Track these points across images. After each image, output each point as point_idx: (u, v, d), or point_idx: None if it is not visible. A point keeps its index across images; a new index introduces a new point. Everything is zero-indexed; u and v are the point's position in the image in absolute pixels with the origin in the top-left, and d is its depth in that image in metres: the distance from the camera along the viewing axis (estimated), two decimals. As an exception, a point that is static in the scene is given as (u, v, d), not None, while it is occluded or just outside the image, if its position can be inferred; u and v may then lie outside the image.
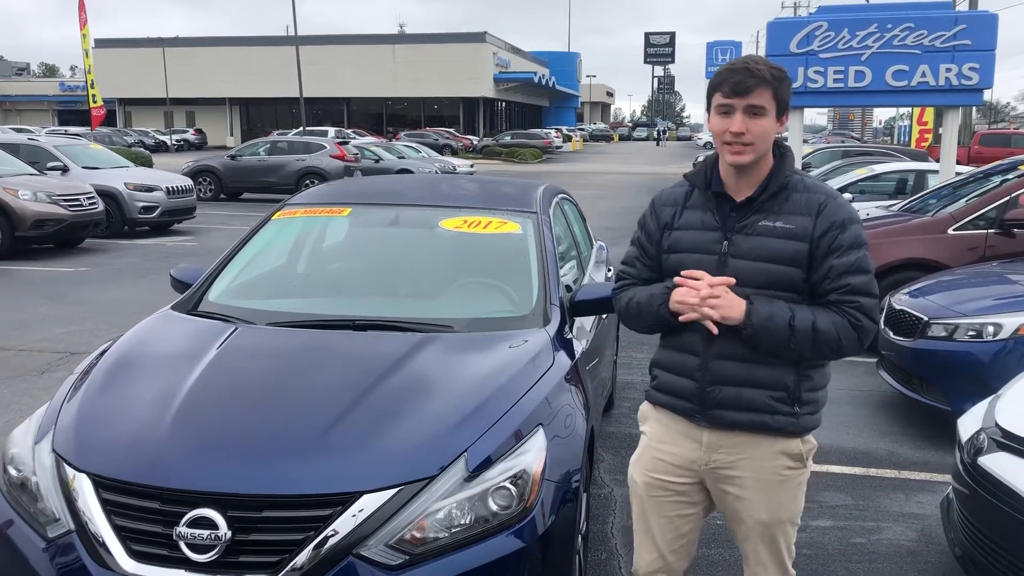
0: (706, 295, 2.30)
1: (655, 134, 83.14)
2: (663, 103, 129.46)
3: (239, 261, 4.03)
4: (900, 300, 5.92)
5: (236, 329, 3.36)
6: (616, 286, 2.65)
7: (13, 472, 2.74)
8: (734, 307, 2.29)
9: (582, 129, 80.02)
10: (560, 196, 4.84)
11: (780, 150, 2.44)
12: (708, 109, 2.41)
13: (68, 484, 2.57)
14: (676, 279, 2.38)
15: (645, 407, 2.66)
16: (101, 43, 56.18)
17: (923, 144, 27.08)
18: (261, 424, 2.71)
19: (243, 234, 4.20)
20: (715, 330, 2.32)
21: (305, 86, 38.15)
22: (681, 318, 2.35)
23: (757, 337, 2.30)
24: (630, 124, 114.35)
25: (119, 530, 2.46)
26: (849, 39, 10.83)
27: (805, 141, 28.77)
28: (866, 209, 9.92)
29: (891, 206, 9.65)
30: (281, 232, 4.28)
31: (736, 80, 2.29)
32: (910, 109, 32.42)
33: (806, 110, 12.75)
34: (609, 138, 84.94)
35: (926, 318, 5.48)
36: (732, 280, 2.32)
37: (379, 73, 58.20)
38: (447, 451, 2.60)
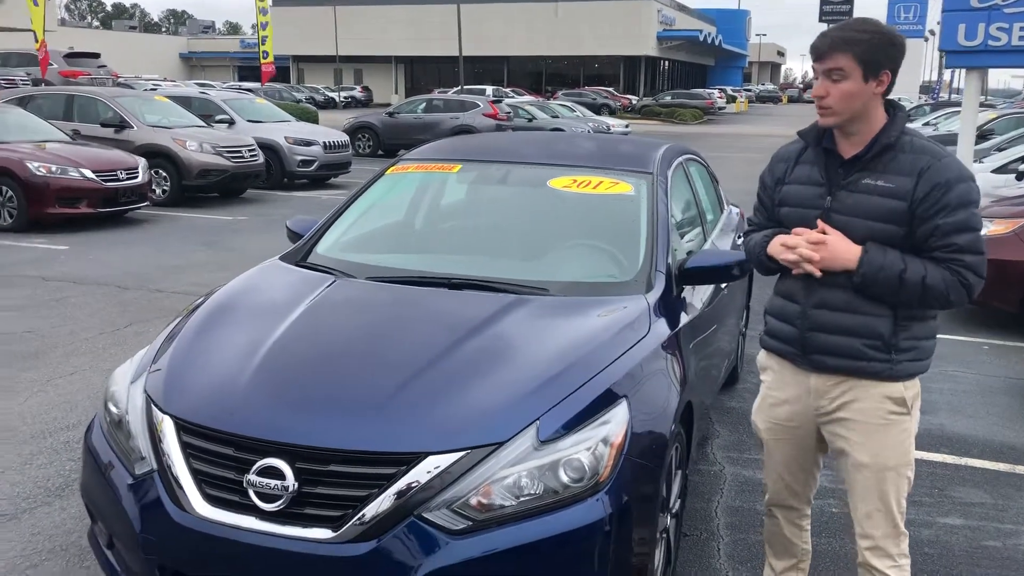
0: (814, 240, 2.45)
1: (827, 96, 78.86)
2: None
3: (350, 215, 4.06)
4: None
5: (334, 282, 3.38)
6: (745, 231, 2.88)
7: (113, 409, 2.87)
8: (844, 256, 2.41)
9: (748, 90, 77.18)
10: (685, 157, 4.59)
11: (894, 110, 2.50)
12: None
13: (156, 426, 2.65)
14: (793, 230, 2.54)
15: (761, 356, 2.83)
16: (278, 1, 58.61)
17: None
18: (336, 379, 2.71)
19: (357, 188, 4.23)
20: (817, 273, 2.46)
21: (466, 45, 38.51)
22: (783, 262, 2.53)
23: (866, 285, 2.42)
24: (801, 85, 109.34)
25: (195, 473, 2.52)
26: (1042, -10, 9.77)
27: (991, 106, 26.52)
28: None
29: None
30: (392, 188, 4.28)
31: (814, 46, 2.46)
32: (1118, 71, 29.25)
33: (992, 71, 11.65)
34: (777, 99, 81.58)
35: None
36: (824, 237, 2.45)
37: (540, 31, 58.05)
38: (518, 418, 2.51)
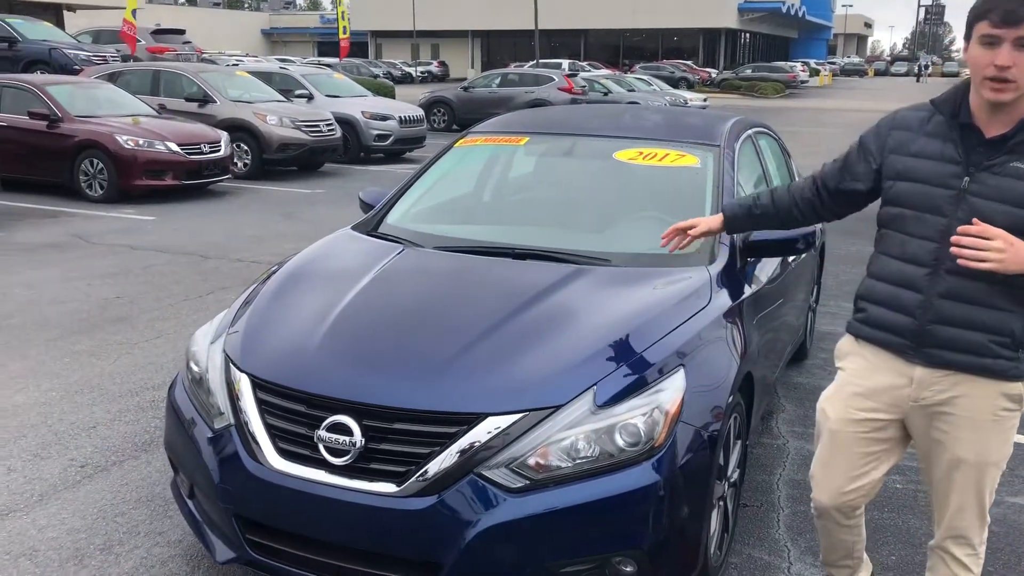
0: (991, 234, 2.13)
1: (916, 69, 76.56)
2: (929, 35, 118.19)
3: (420, 186, 4.16)
4: None
5: (402, 251, 3.49)
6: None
7: (194, 367, 3.04)
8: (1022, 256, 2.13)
9: (832, 63, 75.12)
10: (754, 130, 4.57)
11: None
12: (967, 38, 2.25)
13: (234, 384, 2.80)
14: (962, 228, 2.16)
15: (845, 343, 2.59)
16: (357, -23, 59.22)
17: None
18: (403, 342, 2.82)
19: (427, 160, 4.34)
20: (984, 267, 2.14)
21: (543, 18, 38.37)
22: (970, 265, 2.15)
23: None
24: (888, 58, 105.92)
25: (270, 428, 2.67)
26: None
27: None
28: None
29: None
30: (461, 160, 4.37)
31: (1008, 8, 2.11)
32: None
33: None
34: (863, 73, 79.24)
35: None
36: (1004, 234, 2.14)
37: (618, 3, 57.34)
38: (575, 383, 2.59)
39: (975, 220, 2.17)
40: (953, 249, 2.17)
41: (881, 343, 2.44)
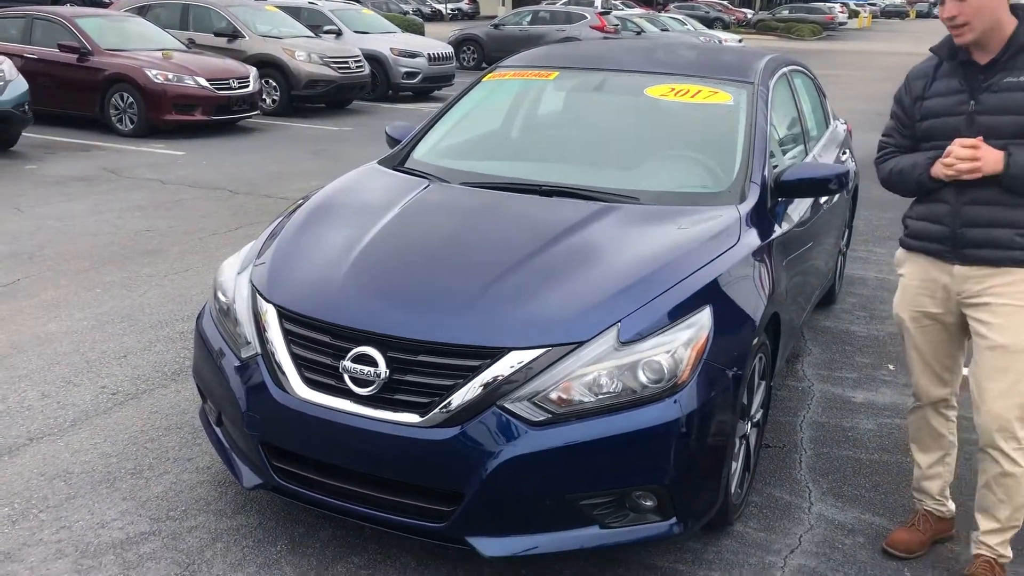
0: (968, 156, 2.56)
1: (959, 11, 74.10)
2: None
3: (447, 121, 4.12)
4: None
5: (428, 186, 3.47)
6: (878, 156, 2.92)
7: (221, 297, 3.06)
8: (991, 160, 2.54)
9: (872, 4, 72.99)
10: (789, 68, 4.46)
11: (1020, 14, 2.61)
12: None
13: (261, 314, 2.83)
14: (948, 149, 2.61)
15: (900, 253, 2.94)
16: (387, -89, 57.95)
17: None
18: (428, 275, 2.83)
19: (456, 94, 4.29)
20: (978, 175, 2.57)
21: (575, -46, 37.44)
22: (950, 176, 2.61)
23: (1016, 184, 2.54)
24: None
25: (295, 358, 2.69)
26: None
27: None
28: None
29: None
30: (489, 94, 4.31)
31: None
32: None
33: None
34: (904, 15, 76.93)
35: None
36: (975, 141, 2.56)
37: (654, -60, 55.90)
38: (600, 319, 2.59)
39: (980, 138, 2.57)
40: (946, 171, 2.60)
41: (924, 251, 2.80)
